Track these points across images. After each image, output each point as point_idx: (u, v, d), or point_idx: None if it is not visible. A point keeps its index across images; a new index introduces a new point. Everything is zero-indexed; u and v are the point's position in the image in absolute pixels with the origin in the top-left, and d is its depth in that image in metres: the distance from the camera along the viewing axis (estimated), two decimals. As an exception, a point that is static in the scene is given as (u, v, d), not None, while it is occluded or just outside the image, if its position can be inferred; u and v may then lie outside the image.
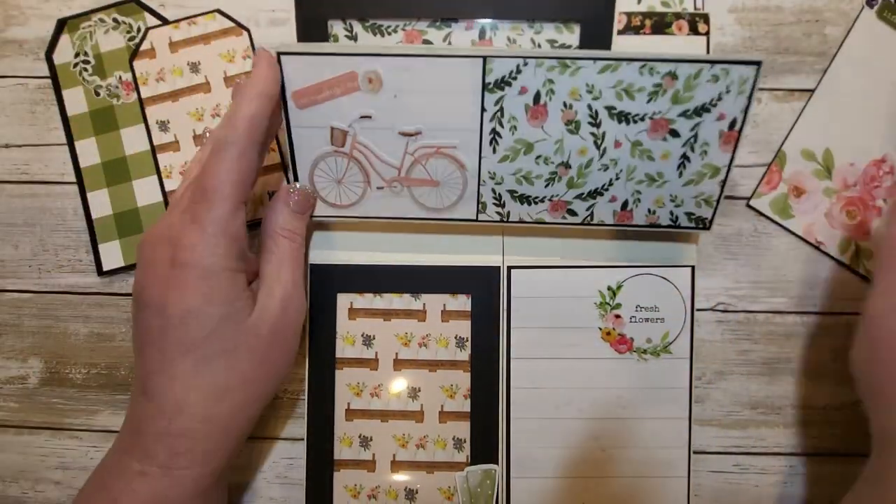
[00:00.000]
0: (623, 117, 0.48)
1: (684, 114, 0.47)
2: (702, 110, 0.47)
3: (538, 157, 0.50)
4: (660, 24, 0.57)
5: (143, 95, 0.58)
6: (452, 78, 0.46)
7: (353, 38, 0.56)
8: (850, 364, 0.48)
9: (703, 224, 0.52)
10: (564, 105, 0.47)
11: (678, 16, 0.57)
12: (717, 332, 0.58)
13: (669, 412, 0.56)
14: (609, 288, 0.56)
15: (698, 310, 0.58)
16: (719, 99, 0.46)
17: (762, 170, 0.58)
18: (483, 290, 0.56)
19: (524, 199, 0.52)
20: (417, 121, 0.49)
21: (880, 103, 0.58)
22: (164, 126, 0.58)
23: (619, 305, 0.56)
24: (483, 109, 0.48)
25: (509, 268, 0.56)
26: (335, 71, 0.46)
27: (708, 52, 0.57)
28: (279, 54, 0.46)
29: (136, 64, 0.58)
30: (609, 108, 0.47)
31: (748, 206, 0.58)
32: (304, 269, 0.51)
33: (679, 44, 0.57)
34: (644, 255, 0.56)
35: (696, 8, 0.58)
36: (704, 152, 0.49)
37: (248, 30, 0.59)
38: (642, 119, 0.48)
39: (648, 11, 0.57)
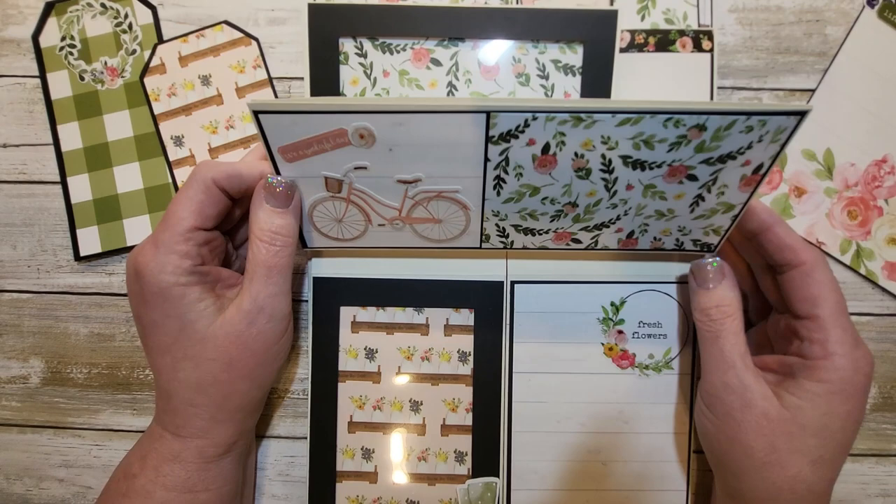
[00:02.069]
0: (639, 165, 0.44)
1: (707, 161, 0.44)
2: (727, 158, 0.44)
3: (544, 198, 0.47)
4: (664, 41, 0.56)
5: (156, 111, 0.57)
6: (452, 132, 0.43)
7: (364, 55, 0.56)
8: (697, 429, 0.52)
9: (709, 248, 0.52)
10: (576, 155, 0.44)
11: (682, 33, 0.56)
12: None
13: (670, 427, 0.56)
14: (612, 304, 0.56)
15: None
16: (749, 147, 0.43)
17: (771, 169, 0.58)
18: (486, 304, 0.56)
19: (528, 232, 0.51)
20: (416, 170, 0.46)
21: (881, 103, 0.57)
22: (178, 141, 0.57)
23: (622, 321, 0.56)
24: (487, 160, 0.45)
25: (513, 283, 0.56)
26: (322, 127, 0.43)
27: (712, 69, 0.57)
28: (255, 112, 0.42)
29: (146, 80, 0.57)
30: (624, 158, 0.44)
31: None
32: (286, 276, 0.48)
33: (683, 61, 0.57)
34: (648, 271, 0.56)
35: (699, 25, 0.57)
36: (721, 193, 0.46)
37: (256, 39, 0.58)
38: (659, 166, 0.44)
39: (652, 29, 0.56)
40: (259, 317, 0.48)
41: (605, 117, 0.41)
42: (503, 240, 0.52)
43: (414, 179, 0.46)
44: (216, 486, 0.50)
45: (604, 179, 0.46)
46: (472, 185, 0.47)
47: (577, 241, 0.52)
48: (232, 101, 0.58)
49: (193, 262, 0.47)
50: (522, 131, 0.42)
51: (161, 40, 0.58)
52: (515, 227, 0.51)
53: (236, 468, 0.52)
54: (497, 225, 0.51)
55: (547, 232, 0.51)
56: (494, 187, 0.47)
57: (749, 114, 0.40)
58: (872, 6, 0.57)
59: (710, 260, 0.50)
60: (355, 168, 0.45)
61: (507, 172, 0.45)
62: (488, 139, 0.43)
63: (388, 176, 0.46)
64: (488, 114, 0.41)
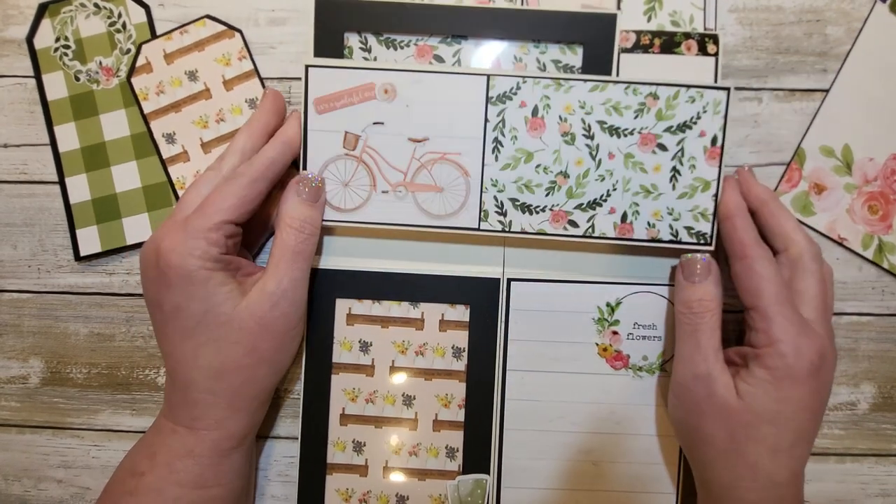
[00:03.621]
0: (614, 131, 0.52)
1: (669, 129, 0.52)
2: (684, 127, 0.52)
3: (538, 165, 0.53)
4: (669, 43, 0.56)
5: (146, 110, 0.58)
6: (459, 90, 0.52)
7: (368, 50, 0.57)
8: (671, 421, 0.54)
9: (705, 239, 0.53)
10: (560, 118, 0.52)
11: (687, 35, 0.56)
12: (716, 334, 0.58)
13: (662, 429, 0.56)
14: (608, 304, 0.56)
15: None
16: (698, 117, 0.52)
17: (777, 169, 0.58)
18: (482, 301, 0.56)
19: (525, 208, 0.53)
20: (426, 128, 0.53)
21: (894, 97, 0.57)
22: (170, 138, 0.58)
23: (616, 322, 0.56)
24: (486, 120, 0.53)
25: (509, 280, 0.56)
26: (355, 82, 0.52)
27: (716, 73, 0.57)
28: (307, 66, 0.52)
29: (134, 80, 0.58)
30: (601, 123, 0.52)
31: None
32: (308, 264, 0.52)
33: (687, 64, 0.57)
34: (644, 271, 0.56)
35: (705, 28, 0.57)
36: (693, 166, 0.53)
37: (239, 30, 0.58)
38: (631, 133, 0.53)
39: (658, 31, 0.57)
40: (282, 300, 0.50)
41: (577, 83, 0.52)
42: (501, 218, 0.53)
43: (423, 138, 0.53)
44: (227, 480, 0.51)
45: (587, 146, 0.53)
46: (473, 147, 0.53)
47: (575, 225, 0.53)
48: (220, 95, 0.58)
49: (220, 251, 0.49)
50: (515, 93, 0.52)
51: (155, 36, 0.58)
52: (513, 201, 0.53)
53: (246, 462, 0.53)
54: (495, 198, 0.53)
55: (543, 210, 0.53)
56: (493, 150, 0.53)
57: (687, 86, 0.52)
58: (884, 0, 0.57)
59: (699, 255, 0.52)
60: (374, 123, 0.53)
61: (503, 135, 0.53)
62: (488, 100, 0.52)
63: (400, 134, 0.53)
64: (488, 77, 0.52)
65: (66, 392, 0.60)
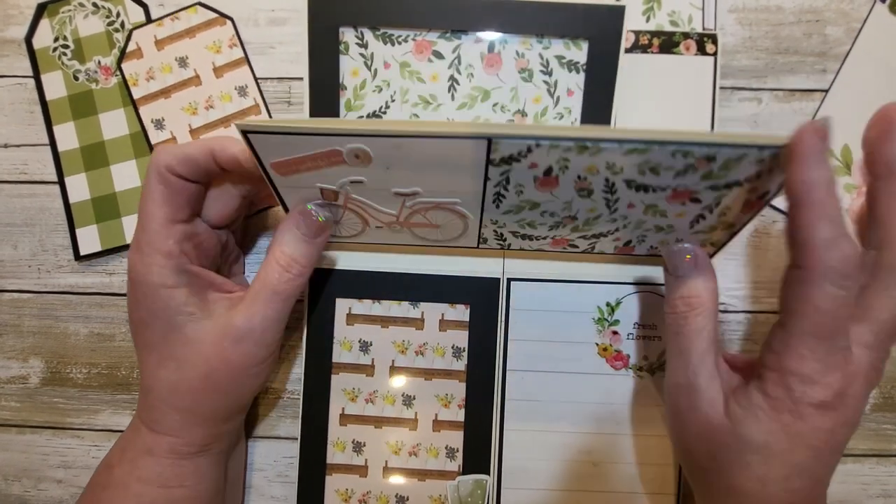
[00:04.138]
0: (643, 188, 0.43)
1: (713, 187, 0.42)
2: (734, 184, 0.42)
3: (544, 211, 0.47)
4: (668, 43, 0.56)
5: (136, 96, 0.58)
6: (452, 154, 0.41)
7: (364, 45, 0.56)
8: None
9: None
10: (578, 178, 0.42)
11: (686, 35, 0.56)
12: (716, 334, 0.58)
13: (662, 430, 0.56)
14: (608, 304, 0.56)
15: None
16: (757, 177, 0.41)
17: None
18: (482, 300, 0.56)
19: (527, 238, 0.52)
20: (414, 185, 0.45)
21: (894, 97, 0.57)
22: (159, 124, 0.58)
23: (617, 322, 0.56)
24: (487, 178, 0.43)
25: (509, 280, 0.56)
26: (316, 146, 0.41)
27: (715, 71, 0.57)
28: (244, 133, 0.40)
29: (124, 66, 0.58)
30: (629, 181, 0.42)
31: (770, 206, 0.57)
32: (288, 304, 0.48)
33: (686, 64, 0.57)
34: (644, 273, 0.56)
35: (704, 28, 0.57)
36: (723, 214, 0.45)
37: (231, 18, 0.58)
38: (664, 189, 0.43)
39: (657, 30, 0.57)
40: (247, 338, 0.47)
41: (611, 146, 0.39)
42: (501, 242, 0.53)
43: (412, 193, 0.45)
44: (191, 483, 0.50)
45: (605, 199, 0.44)
46: (470, 198, 0.46)
47: (574, 247, 0.53)
48: (210, 82, 0.58)
49: (178, 262, 0.46)
50: (525, 156, 0.40)
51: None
52: (513, 233, 0.51)
53: (214, 468, 0.52)
54: (495, 231, 0.51)
55: (545, 238, 0.51)
56: (494, 201, 0.46)
57: (762, 147, 0.38)
58: (884, 1, 0.57)
59: (685, 245, 0.47)
60: (351, 181, 0.44)
61: (507, 189, 0.44)
62: (489, 161, 0.41)
63: (384, 189, 0.45)
64: (490, 140, 0.39)
65: (66, 392, 0.60)
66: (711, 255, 0.51)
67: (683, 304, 0.46)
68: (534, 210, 0.46)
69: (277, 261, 0.47)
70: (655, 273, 0.56)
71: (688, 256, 0.46)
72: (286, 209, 0.48)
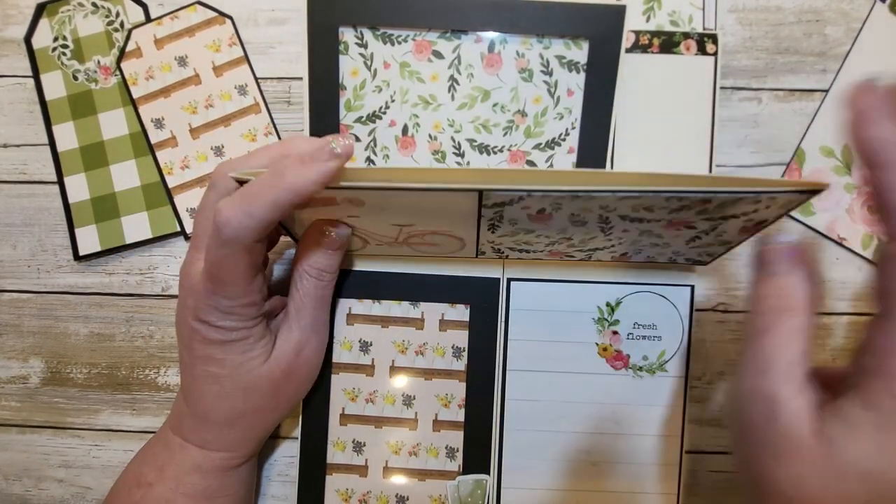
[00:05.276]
0: (638, 221, 0.44)
1: (709, 219, 0.43)
2: (730, 217, 0.42)
3: (539, 234, 0.48)
4: (668, 43, 0.56)
5: (135, 95, 0.58)
6: (445, 201, 0.42)
7: (364, 45, 0.56)
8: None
9: (702, 263, 0.53)
10: (573, 215, 0.43)
11: (686, 35, 0.56)
12: (717, 333, 0.58)
13: (662, 430, 0.56)
14: (608, 304, 0.56)
15: (698, 310, 0.58)
16: (754, 212, 0.41)
17: (777, 169, 0.58)
18: (482, 300, 0.56)
19: (525, 251, 0.52)
20: (409, 221, 0.47)
21: None
22: (159, 123, 0.58)
23: (617, 322, 0.56)
24: (480, 216, 0.44)
25: (509, 280, 0.56)
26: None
27: (715, 71, 0.57)
28: (238, 181, 0.41)
29: (123, 65, 0.58)
30: (623, 217, 0.43)
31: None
32: (328, 307, 0.52)
33: (686, 64, 0.57)
34: (644, 273, 0.56)
35: (704, 28, 0.57)
36: (720, 235, 0.46)
37: (230, 17, 0.58)
38: (658, 221, 0.43)
39: (657, 30, 0.56)
40: (306, 346, 0.50)
41: (605, 193, 0.39)
42: (499, 254, 0.54)
43: (407, 224, 0.47)
44: (233, 491, 0.52)
45: (601, 227, 0.46)
46: (465, 230, 0.48)
47: (571, 257, 0.53)
48: (210, 81, 0.58)
49: (258, 309, 0.47)
50: (517, 202, 0.41)
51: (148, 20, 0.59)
52: (511, 249, 0.52)
53: (252, 473, 0.54)
54: (493, 247, 0.52)
55: (542, 251, 0.52)
56: (489, 228, 0.47)
57: (759, 193, 0.38)
58: (884, 0, 0.57)
59: (783, 240, 0.39)
60: (348, 216, 0.47)
61: (500, 223, 0.46)
62: (481, 205, 0.42)
63: (380, 221, 0.47)
64: (481, 192, 0.40)
65: (66, 392, 0.60)
66: (709, 262, 0.52)
67: (771, 305, 0.39)
68: (529, 234, 0.48)
69: (308, 273, 0.49)
70: (655, 273, 0.56)
71: (787, 253, 0.39)
72: (292, 237, 0.51)
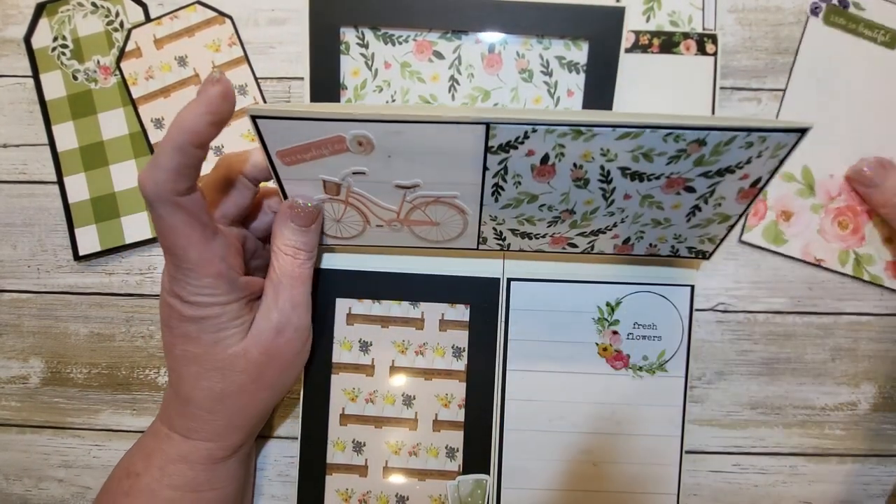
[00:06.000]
0: (637, 176, 0.44)
1: (705, 174, 0.44)
2: (725, 171, 0.43)
3: (542, 205, 0.47)
4: (668, 43, 0.56)
5: (135, 95, 0.58)
6: (451, 141, 0.42)
7: (365, 45, 0.56)
8: None
9: (703, 255, 0.52)
10: (574, 165, 0.43)
11: (686, 35, 0.56)
12: (717, 333, 0.58)
13: (662, 430, 0.56)
14: (608, 304, 0.56)
15: (698, 310, 0.58)
16: (748, 162, 0.43)
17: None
18: (482, 300, 0.56)
19: (525, 235, 0.51)
20: (415, 176, 0.45)
21: (847, 109, 0.57)
22: (158, 123, 0.58)
23: (617, 322, 0.56)
24: (485, 168, 0.44)
25: (509, 280, 0.56)
26: (321, 132, 0.42)
27: (715, 70, 0.57)
28: (253, 118, 0.41)
29: (123, 65, 0.58)
30: (623, 169, 0.44)
31: (741, 241, 0.58)
32: (308, 287, 0.50)
33: (686, 64, 0.57)
34: (644, 273, 0.56)
35: (704, 28, 0.57)
36: (718, 204, 0.47)
37: (230, 17, 0.58)
38: (657, 178, 0.44)
39: (657, 31, 0.56)
40: (287, 327, 0.49)
41: (605, 130, 0.40)
42: (500, 242, 0.53)
43: (412, 185, 0.46)
44: (221, 485, 0.51)
45: (602, 189, 0.46)
46: (469, 191, 0.47)
47: (574, 246, 0.52)
48: (210, 81, 0.58)
49: (229, 277, 0.46)
50: (522, 142, 0.42)
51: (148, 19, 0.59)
52: (513, 230, 0.51)
53: (241, 468, 0.53)
54: (494, 228, 0.51)
55: (544, 236, 0.51)
56: (492, 194, 0.47)
57: (750, 130, 0.40)
58: (817, 14, 0.57)
59: (866, 160, 0.54)
60: (353, 173, 0.45)
61: (505, 181, 0.45)
62: (487, 149, 0.42)
63: (386, 181, 0.46)
64: (488, 125, 0.41)
65: (66, 392, 0.60)
66: (710, 254, 0.52)
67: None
68: (532, 204, 0.47)
69: (283, 252, 0.49)
70: (655, 273, 0.56)
71: (870, 167, 0.54)
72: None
